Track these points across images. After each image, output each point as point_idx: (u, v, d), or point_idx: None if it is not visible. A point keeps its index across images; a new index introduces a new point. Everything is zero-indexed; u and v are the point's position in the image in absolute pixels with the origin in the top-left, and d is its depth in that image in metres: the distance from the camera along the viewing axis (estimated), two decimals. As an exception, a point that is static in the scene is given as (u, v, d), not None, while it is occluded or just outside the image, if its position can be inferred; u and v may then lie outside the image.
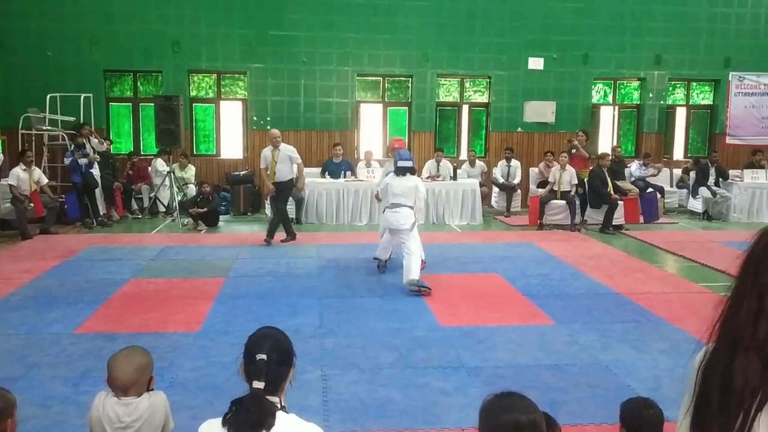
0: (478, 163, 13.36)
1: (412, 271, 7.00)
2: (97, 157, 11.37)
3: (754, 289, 1.29)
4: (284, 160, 9.51)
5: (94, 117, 12.42)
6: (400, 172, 7.38)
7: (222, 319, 6.00)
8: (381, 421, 3.99)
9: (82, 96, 12.23)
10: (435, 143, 13.88)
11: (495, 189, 13.47)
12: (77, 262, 8.31)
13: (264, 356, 2.05)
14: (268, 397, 2.04)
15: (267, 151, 9.60)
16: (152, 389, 2.63)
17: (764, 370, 1.25)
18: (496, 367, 4.89)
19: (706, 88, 15.03)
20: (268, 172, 9.56)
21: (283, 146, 9.58)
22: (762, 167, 12.96)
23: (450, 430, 3.77)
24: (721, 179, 12.81)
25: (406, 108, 14.12)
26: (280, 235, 9.74)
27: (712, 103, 14.95)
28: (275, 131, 9.79)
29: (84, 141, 11.13)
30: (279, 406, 2.08)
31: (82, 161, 10.94)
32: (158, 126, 11.45)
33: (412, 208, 7.27)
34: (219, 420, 2.03)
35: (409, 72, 13.80)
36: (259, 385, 2.02)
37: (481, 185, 12.52)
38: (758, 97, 13.83)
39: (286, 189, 9.78)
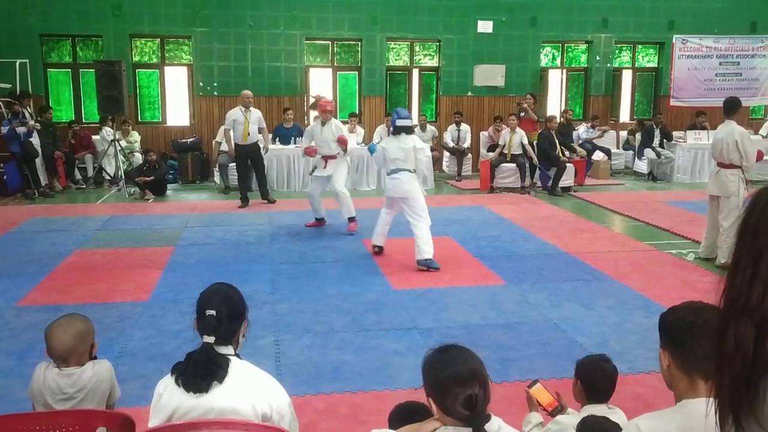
0: (429, 127, 13.34)
1: (424, 250, 6.52)
2: (37, 125, 10.92)
3: (750, 252, 1.20)
4: (256, 122, 9.75)
5: (32, 84, 11.90)
6: (397, 131, 6.75)
7: (171, 288, 5.90)
8: (335, 383, 4.01)
9: (18, 62, 11.67)
10: (386, 108, 13.79)
11: (446, 153, 13.50)
12: (19, 234, 8.05)
13: (213, 312, 2.08)
14: (221, 349, 2.06)
15: (237, 113, 9.67)
16: (95, 357, 2.56)
17: (758, 337, 1.15)
18: (449, 328, 4.94)
19: (651, 50, 15.26)
20: (233, 134, 9.67)
21: (252, 108, 9.82)
22: (704, 128, 13.24)
23: (403, 390, 3.80)
24: (665, 141, 13.08)
25: (356, 72, 13.97)
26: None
27: (656, 65, 15.19)
28: (248, 92, 9.97)
29: (21, 109, 10.68)
30: (232, 355, 2.11)
31: (21, 130, 10.49)
32: (100, 93, 11.04)
33: (413, 171, 6.68)
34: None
35: (358, 36, 13.61)
36: (209, 339, 2.04)
37: (432, 150, 12.53)
38: (701, 60, 14.10)
39: (257, 152, 10.01)
